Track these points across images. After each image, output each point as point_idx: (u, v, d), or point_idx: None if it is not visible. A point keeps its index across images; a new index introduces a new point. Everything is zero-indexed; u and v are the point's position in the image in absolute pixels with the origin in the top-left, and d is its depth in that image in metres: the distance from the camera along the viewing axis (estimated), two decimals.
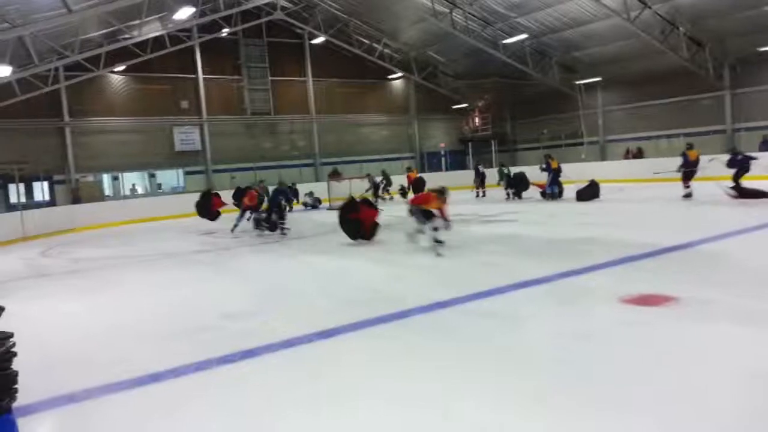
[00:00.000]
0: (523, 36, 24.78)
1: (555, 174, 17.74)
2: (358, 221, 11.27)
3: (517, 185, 19.34)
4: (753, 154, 14.56)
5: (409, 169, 24.08)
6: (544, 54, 27.02)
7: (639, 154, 26.30)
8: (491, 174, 22.17)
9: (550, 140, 30.79)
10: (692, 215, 12.57)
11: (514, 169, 20.80)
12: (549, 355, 4.48)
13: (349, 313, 6.11)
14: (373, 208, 11.60)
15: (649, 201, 15.60)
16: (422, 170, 31.24)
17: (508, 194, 19.59)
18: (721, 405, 3.49)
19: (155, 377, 4.53)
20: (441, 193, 9.46)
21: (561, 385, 3.89)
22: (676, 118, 25.46)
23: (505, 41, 25.29)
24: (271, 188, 15.21)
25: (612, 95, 28.34)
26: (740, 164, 14.02)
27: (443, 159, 33.76)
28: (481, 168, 22.56)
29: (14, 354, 2.14)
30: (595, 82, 27.75)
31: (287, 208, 14.65)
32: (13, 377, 2.10)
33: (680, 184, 15.08)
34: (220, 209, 17.19)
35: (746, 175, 13.82)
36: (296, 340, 5.22)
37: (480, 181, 22.11)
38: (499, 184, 20.70)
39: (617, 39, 23.67)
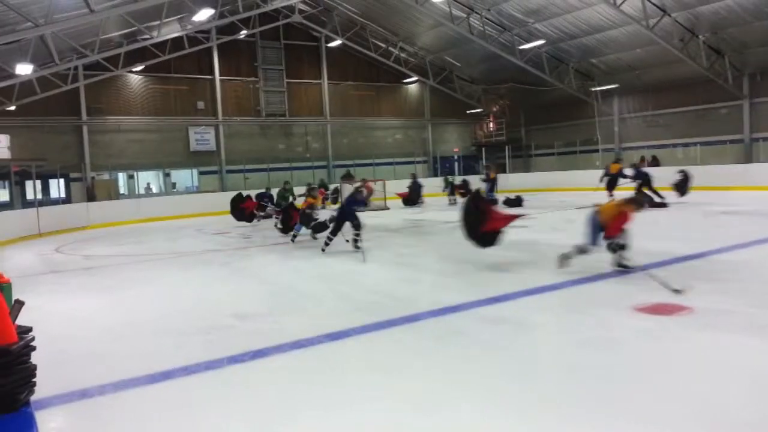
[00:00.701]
0: (540, 42, 24.70)
1: (492, 183, 20.18)
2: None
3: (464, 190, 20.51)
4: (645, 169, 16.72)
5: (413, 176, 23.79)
6: (561, 60, 26.89)
7: (655, 162, 26.06)
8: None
9: (565, 146, 30.62)
10: (707, 224, 12.43)
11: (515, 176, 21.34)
12: (559, 363, 4.44)
13: (359, 315, 6.11)
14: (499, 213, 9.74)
15: (663, 209, 15.45)
16: (435, 174, 31.26)
17: (450, 201, 21.57)
18: (735, 416, 3.44)
19: (167, 375, 4.56)
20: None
21: (570, 393, 3.85)
22: (693, 127, 25.18)
23: (521, 47, 25.22)
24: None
25: (628, 102, 28.12)
26: (642, 176, 15.96)
27: (456, 164, 33.72)
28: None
29: (33, 348, 2.17)
30: (611, 89, 27.56)
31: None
32: (31, 371, 2.13)
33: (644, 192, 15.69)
34: (255, 211, 17.68)
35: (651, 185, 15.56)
36: (306, 341, 5.23)
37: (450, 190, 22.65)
38: (444, 192, 23.03)
39: (635, 46, 23.51)
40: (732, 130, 24.02)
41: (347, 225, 10.86)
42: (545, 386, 4.00)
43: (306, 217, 12.72)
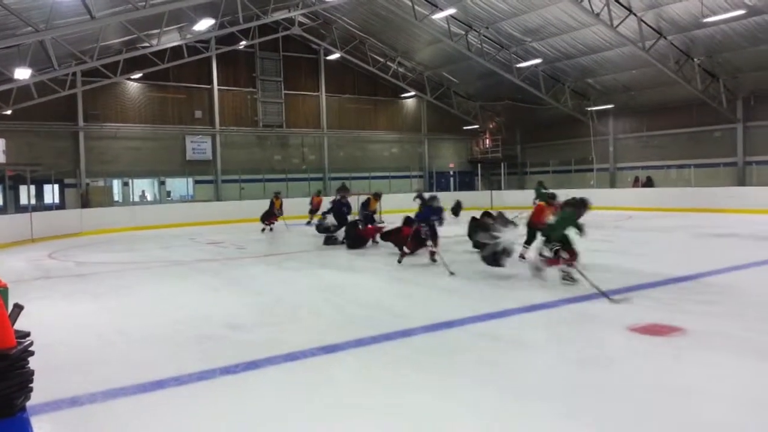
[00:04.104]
0: (537, 60, 24.95)
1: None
2: None
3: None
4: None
5: (318, 193, 21.50)
6: (558, 79, 27.14)
7: (649, 183, 26.25)
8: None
9: (560, 165, 30.81)
10: (701, 246, 12.49)
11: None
12: (553, 380, 4.43)
13: (354, 328, 6.09)
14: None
15: (657, 230, 15.53)
16: (430, 189, 31.32)
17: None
18: None
19: (158, 384, 4.52)
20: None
21: (563, 411, 3.84)
22: (686, 149, 25.41)
23: (519, 65, 25.46)
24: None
25: (623, 123, 28.36)
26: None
27: (452, 179, 33.85)
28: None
29: (31, 353, 2.15)
30: (607, 109, 27.82)
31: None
32: (29, 376, 2.11)
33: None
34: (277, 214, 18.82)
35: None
36: (299, 353, 5.20)
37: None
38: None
39: (631, 67, 23.78)
40: (726, 153, 24.24)
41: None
42: (538, 403, 3.99)
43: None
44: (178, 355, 5.34)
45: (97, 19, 15.37)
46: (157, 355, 5.42)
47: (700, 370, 4.63)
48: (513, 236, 8.75)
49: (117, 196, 25.42)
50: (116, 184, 25.48)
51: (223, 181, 27.14)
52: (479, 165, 32.67)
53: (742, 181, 23.39)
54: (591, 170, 29.05)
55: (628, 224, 17.26)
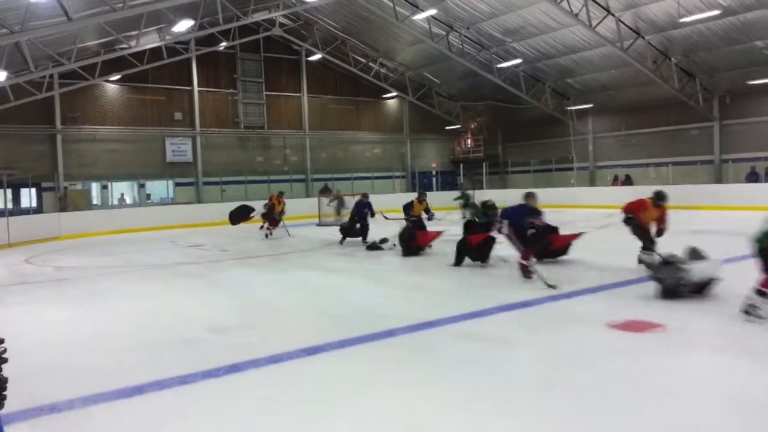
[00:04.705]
0: (518, 61, 25.13)
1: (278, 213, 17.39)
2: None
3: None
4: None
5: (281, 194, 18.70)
6: (538, 79, 27.36)
7: (628, 181, 26.56)
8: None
9: (540, 164, 31.07)
10: (680, 243, 12.63)
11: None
12: (534, 378, 4.47)
13: (336, 330, 6.08)
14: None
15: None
16: (413, 189, 31.40)
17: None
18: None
19: (138, 389, 4.47)
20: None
21: (545, 409, 3.89)
22: (665, 147, 25.77)
23: (499, 65, 25.62)
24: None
25: (603, 122, 28.68)
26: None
27: (434, 179, 33.96)
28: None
29: (5, 360, 2.12)
30: (586, 108, 28.12)
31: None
32: (2, 383, 2.08)
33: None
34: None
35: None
36: (282, 356, 5.18)
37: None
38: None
39: (610, 67, 24.05)
40: (703, 151, 24.64)
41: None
42: (520, 402, 4.02)
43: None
44: (158, 360, 5.29)
45: (74, 21, 15.15)
46: (137, 359, 5.36)
47: (679, 365, 4.71)
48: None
49: (96, 199, 25.07)
50: (95, 187, 25.13)
51: (204, 184, 26.91)
52: (461, 165, 32.82)
53: (719, 179, 23.79)
54: (571, 169, 29.33)
55: (608, 222, 17.43)
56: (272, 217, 17.26)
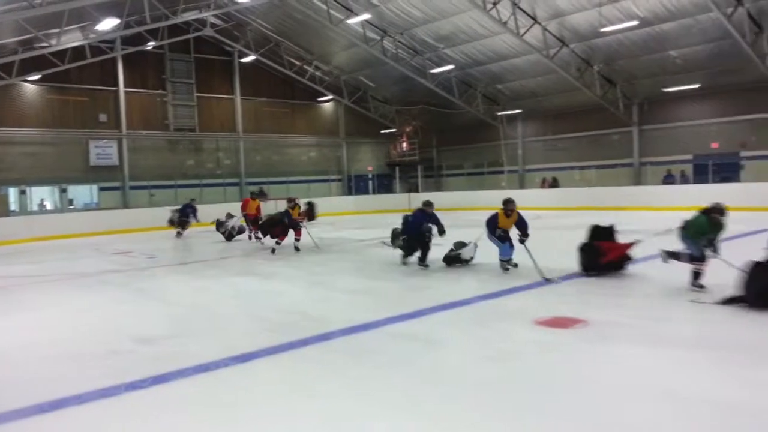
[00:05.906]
0: (450, 67, 25.65)
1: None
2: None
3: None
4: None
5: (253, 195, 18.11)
6: (470, 85, 28.02)
7: (555, 184, 27.63)
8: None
9: (473, 167, 31.81)
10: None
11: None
12: (465, 376, 4.59)
13: (270, 335, 6.01)
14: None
15: (563, 228, 16.38)
16: (349, 193, 31.47)
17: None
18: (627, 423, 3.69)
19: (57, 404, 4.26)
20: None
21: (477, 405, 3.99)
22: (588, 151, 26.99)
23: (432, 71, 26.06)
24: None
25: (531, 127, 29.69)
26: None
27: (370, 182, 34.12)
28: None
29: None
30: (516, 113, 29.05)
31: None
32: None
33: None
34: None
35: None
36: (212, 364, 5.06)
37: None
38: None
39: (537, 74, 24.94)
40: (623, 155, 25.95)
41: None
42: (451, 401, 4.11)
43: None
44: (81, 373, 5.05)
45: None
46: (59, 372, 5.10)
47: (600, 359, 4.95)
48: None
49: (13, 205, 23.63)
50: (12, 192, 23.68)
51: (131, 188, 25.87)
52: (397, 168, 33.16)
53: (638, 181, 25.13)
54: (502, 172, 30.20)
55: (536, 223, 18.05)
56: (295, 225, 13.74)
